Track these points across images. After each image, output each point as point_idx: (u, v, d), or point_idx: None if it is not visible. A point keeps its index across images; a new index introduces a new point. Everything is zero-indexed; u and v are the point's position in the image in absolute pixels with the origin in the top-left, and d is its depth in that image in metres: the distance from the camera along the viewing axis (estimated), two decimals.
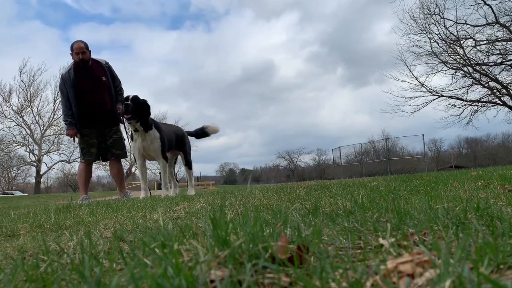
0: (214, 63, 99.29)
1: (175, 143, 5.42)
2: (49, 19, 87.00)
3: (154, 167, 36.96)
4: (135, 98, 4.71)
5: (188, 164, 5.81)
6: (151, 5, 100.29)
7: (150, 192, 5.36)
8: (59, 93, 5.59)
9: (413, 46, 20.83)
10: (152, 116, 4.94)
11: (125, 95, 4.92)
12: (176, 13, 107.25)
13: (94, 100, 5.21)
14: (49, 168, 41.01)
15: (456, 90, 21.24)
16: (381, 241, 0.84)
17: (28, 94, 36.74)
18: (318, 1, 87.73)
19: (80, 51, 5.19)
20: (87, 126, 5.27)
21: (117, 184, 5.69)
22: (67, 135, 5.35)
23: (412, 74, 21.26)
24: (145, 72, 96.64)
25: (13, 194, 33.95)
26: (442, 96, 21.48)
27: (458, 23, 20.00)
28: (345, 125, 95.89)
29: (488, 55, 20.15)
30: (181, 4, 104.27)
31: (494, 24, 19.42)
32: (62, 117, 5.46)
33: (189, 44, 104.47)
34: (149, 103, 4.78)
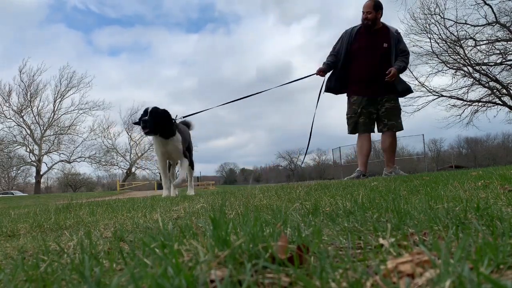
0: (231, 65, 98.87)
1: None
2: (73, 22, 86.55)
3: (153, 167, 36.96)
4: (154, 111, 4.58)
5: (191, 164, 5.85)
6: (172, 9, 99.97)
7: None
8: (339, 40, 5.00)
9: (413, 46, 20.87)
10: None
11: (147, 107, 4.67)
12: (197, 17, 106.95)
13: (365, 63, 4.77)
14: (49, 168, 41.03)
15: (457, 90, 21.31)
16: (381, 241, 0.84)
17: (28, 94, 36.80)
18: (339, 6, 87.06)
19: (366, 10, 4.78)
20: (356, 93, 4.87)
21: (386, 157, 5.06)
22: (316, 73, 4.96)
23: (412, 74, 21.29)
24: (165, 74, 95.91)
25: (13, 194, 33.92)
26: (442, 96, 21.52)
27: (458, 23, 20.03)
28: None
29: (488, 55, 20.20)
30: (202, 8, 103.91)
31: (494, 24, 19.44)
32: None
33: (208, 46, 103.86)
34: (169, 112, 4.72)
